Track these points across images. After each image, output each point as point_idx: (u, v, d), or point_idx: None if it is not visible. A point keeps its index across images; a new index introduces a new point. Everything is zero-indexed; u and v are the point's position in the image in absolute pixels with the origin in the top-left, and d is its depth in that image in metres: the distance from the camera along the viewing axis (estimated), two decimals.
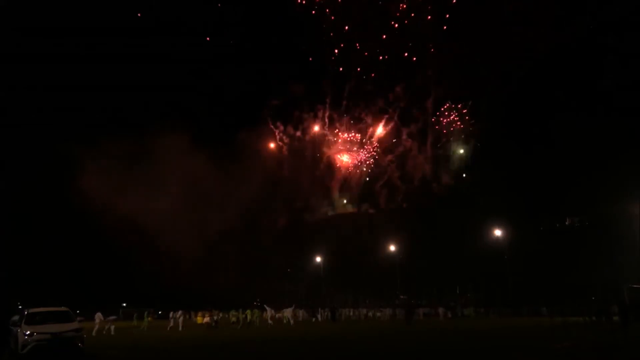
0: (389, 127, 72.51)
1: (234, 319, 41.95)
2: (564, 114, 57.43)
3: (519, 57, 56.55)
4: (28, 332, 16.05)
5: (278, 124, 75.24)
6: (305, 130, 75.22)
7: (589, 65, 56.70)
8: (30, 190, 64.17)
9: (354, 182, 78.11)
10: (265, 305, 47.43)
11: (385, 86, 68.64)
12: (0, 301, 42.68)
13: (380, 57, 65.21)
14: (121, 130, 62.05)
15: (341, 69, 67.02)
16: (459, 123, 69.62)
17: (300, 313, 51.53)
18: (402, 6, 61.26)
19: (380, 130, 72.24)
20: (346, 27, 63.34)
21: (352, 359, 16.61)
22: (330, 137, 75.70)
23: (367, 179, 75.06)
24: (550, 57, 58.01)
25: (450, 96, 68.19)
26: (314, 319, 49.88)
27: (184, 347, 21.92)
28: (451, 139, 70.96)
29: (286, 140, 76.14)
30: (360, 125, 74.01)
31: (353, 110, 72.99)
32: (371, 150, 73.79)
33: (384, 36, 63.50)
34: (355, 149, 75.46)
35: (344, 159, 76.28)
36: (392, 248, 60.61)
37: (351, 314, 55.07)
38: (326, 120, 74.44)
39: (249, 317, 39.12)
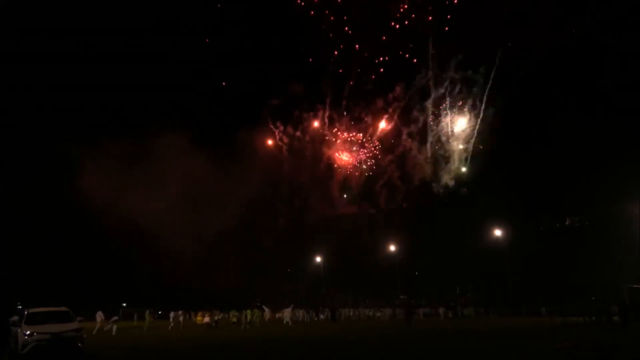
0: (390, 125, 72.52)
1: (234, 319, 41.96)
2: (564, 113, 57.44)
3: (518, 57, 56.61)
4: (28, 332, 16.04)
5: (278, 123, 75.24)
6: (305, 130, 75.26)
7: (589, 65, 56.71)
8: (30, 190, 64.19)
9: (354, 182, 78.13)
10: (263, 306, 47.46)
11: (385, 86, 68.68)
12: (0, 301, 42.62)
13: (381, 58, 65.25)
14: (121, 130, 62.17)
15: (341, 70, 67.11)
16: (459, 123, 69.59)
17: (300, 313, 51.54)
18: (404, 6, 61.26)
19: (383, 124, 72.06)
20: (346, 28, 63.37)
21: (352, 359, 16.62)
22: (330, 137, 75.75)
23: (370, 173, 74.85)
24: (550, 57, 58.03)
25: (450, 95, 68.19)
26: (316, 319, 49.91)
27: (184, 347, 21.93)
28: (451, 139, 70.96)
29: (286, 140, 76.17)
30: (360, 125, 74.06)
31: (353, 110, 73.02)
32: (372, 148, 73.81)
33: (384, 37, 63.54)
34: (355, 148, 75.50)
35: (344, 158, 76.31)
36: (392, 248, 60.62)
37: (351, 314, 55.09)
38: (326, 120, 74.48)
39: (248, 317, 39.15)
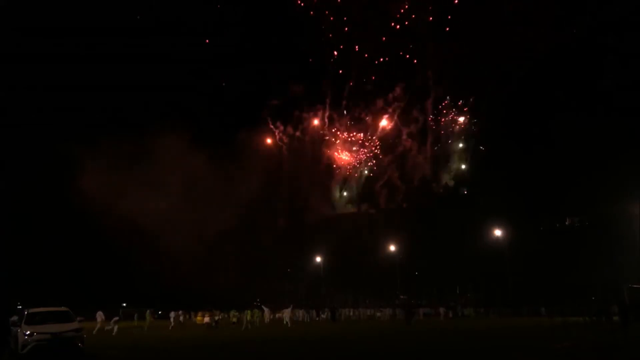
0: (390, 125, 72.59)
1: (234, 319, 41.93)
2: (564, 114, 57.47)
3: (519, 57, 56.65)
4: (28, 332, 16.02)
5: (278, 124, 75.42)
6: (305, 131, 75.35)
7: (589, 65, 56.78)
8: (30, 190, 64.23)
9: (354, 182, 78.20)
10: (263, 306, 47.43)
11: (385, 86, 68.79)
12: (0, 301, 42.62)
13: (381, 59, 65.34)
14: (121, 130, 62.26)
15: (341, 70, 67.21)
16: (459, 122, 69.72)
17: (300, 313, 51.50)
18: (404, 7, 61.32)
19: (384, 122, 72.17)
20: (346, 28, 63.46)
21: (352, 359, 16.60)
22: (330, 137, 75.80)
23: (370, 174, 74.95)
24: (550, 57, 58.12)
25: (451, 96, 68.33)
26: (317, 319, 49.85)
27: (184, 347, 21.92)
28: (450, 139, 71.07)
29: (286, 140, 76.30)
30: (360, 125, 74.14)
31: (353, 111, 73.11)
32: (372, 147, 73.88)
33: (384, 37, 63.62)
34: (355, 148, 75.55)
35: (344, 158, 76.39)
36: (392, 248, 60.57)
37: (351, 314, 55.06)
38: (326, 120, 74.56)
39: (248, 317, 39.13)
